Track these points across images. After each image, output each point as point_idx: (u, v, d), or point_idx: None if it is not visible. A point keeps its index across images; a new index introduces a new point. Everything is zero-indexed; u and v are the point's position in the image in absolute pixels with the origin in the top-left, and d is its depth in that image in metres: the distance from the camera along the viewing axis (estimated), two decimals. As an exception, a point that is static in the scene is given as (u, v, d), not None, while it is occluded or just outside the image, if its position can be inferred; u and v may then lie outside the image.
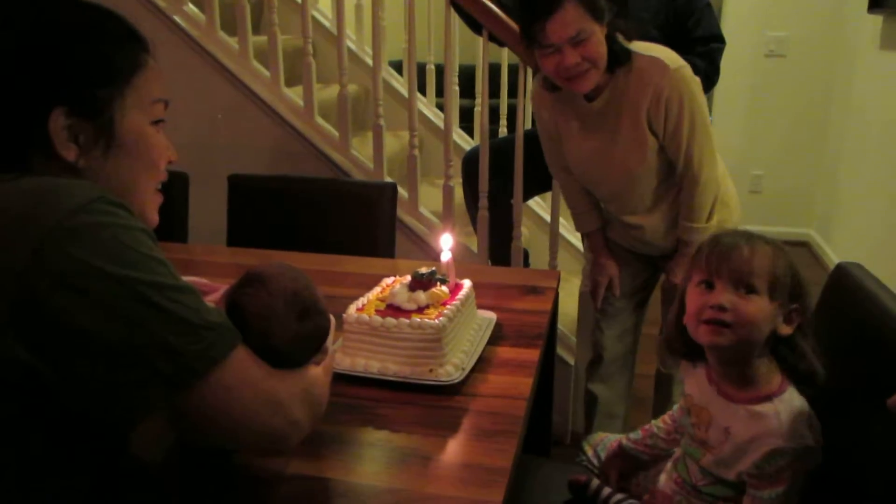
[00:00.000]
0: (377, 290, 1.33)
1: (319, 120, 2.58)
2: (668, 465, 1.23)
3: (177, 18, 2.58)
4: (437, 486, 0.94)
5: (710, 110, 1.78)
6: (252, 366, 0.79)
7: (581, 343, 2.36)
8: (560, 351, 2.35)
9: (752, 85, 4.28)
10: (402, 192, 2.39)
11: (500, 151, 2.33)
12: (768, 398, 1.06)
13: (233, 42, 2.59)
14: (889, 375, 1.01)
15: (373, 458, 1.03)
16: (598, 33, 1.57)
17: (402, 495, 0.92)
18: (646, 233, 1.83)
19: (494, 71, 2.71)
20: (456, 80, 2.85)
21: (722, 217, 1.75)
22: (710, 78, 2.09)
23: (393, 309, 1.23)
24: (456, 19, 2.31)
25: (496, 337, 1.34)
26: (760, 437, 1.04)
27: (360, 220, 1.99)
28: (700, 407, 1.14)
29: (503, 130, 3.13)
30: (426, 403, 1.13)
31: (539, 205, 3.08)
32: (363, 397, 1.15)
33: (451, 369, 1.17)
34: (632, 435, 1.33)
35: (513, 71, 2.74)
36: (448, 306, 1.22)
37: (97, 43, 0.80)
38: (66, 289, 0.66)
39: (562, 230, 2.69)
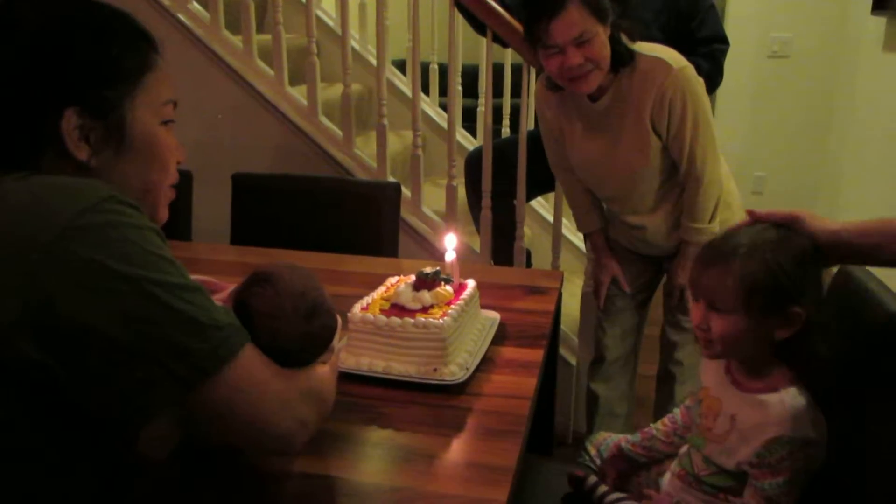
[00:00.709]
0: (382, 289, 1.33)
1: (323, 119, 2.58)
2: (673, 463, 1.24)
3: (181, 17, 2.58)
4: (441, 485, 0.95)
5: (713, 111, 1.78)
6: (260, 365, 0.79)
7: (583, 343, 2.36)
8: (562, 351, 2.35)
9: (756, 86, 4.27)
10: (405, 191, 2.39)
11: (503, 151, 2.33)
12: (775, 390, 1.08)
13: (237, 41, 2.60)
14: (893, 378, 1.01)
15: (377, 456, 1.03)
16: (601, 34, 1.57)
17: (406, 494, 0.93)
18: (648, 233, 1.83)
19: (498, 71, 2.71)
20: (459, 79, 2.85)
21: (724, 218, 1.75)
22: (713, 79, 2.09)
23: (397, 308, 1.23)
24: (459, 19, 2.31)
25: (500, 337, 1.35)
26: (763, 425, 1.06)
27: (364, 219, 2.00)
28: (713, 397, 1.16)
29: (506, 131, 3.13)
30: (430, 403, 1.14)
31: (541, 205, 3.08)
32: (368, 396, 1.15)
33: (456, 369, 1.18)
34: (631, 437, 1.34)
35: (516, 71, 2.74)
36: (452, 306, 1.23)
37: (108, 42, 0.80)
38: (76, 287, 0.66)
39: (564, 230, 2.69)
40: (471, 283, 1.35)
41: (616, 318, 2.01)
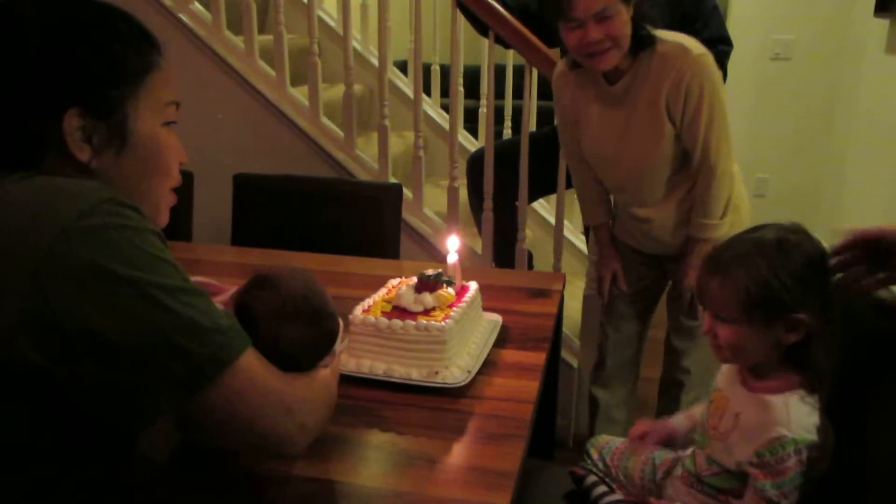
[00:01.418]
0: (383, 291, 1.33)
1: (325, 120, 2.58)
2: (677, 468, 1.24)
3: (183, 17, 2.57)
4: (443, 489, 0.94)
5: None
6: (261, 369, 0.79)
7: (585, 346, 2.36)
8: (563, 354, 2.34)
9: (758, 88, 4.27)
10: (407, 192, 2.39)
11: (505, 153, 2.32)
12: (781, 392, 1.09)
13: (239, 41, 2.59)
14: (893, 388, 1.01)
15: (378, 460, 1.03)
16: (623, 13, 1.57)
17: (407, 498, 0.92)
18: (654, 226, 1.81)
19: (499, 72, 2.71)
20: (461, 80, 2.85)
21: (732, 220, 1.74)
22: (716, 81, 2.09)
23: (399, 311, 1.23)
24: (461, 19, 2.31)
25: (502, 339, 1.34)
26: (766, 425, 1.07)
27: (365, 220, 1.99)
28: (723, 397, 1.17)
29: (507, 132, 3.13)
30: (432, 406, 1.13)
31: (543, 207, 3.08)
32: (369, 399, 1.15)
33: (457, 372, 1.17)
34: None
35: (518, 72, 2.74)
36: (454, 309, 1.22)
37: (111, 42, 0.80)
38: (75, 290, 0.66)
39: (566, 232, 2.69)
40: (473, 286, 1.35)
41: (618, 325, 2.01)
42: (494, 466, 0.98)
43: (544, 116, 3.21)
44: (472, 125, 3.32)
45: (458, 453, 1.03)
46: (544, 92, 2.95)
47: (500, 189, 2.31)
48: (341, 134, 2.56)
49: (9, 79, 0.75)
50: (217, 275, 1.16)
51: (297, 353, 0.85)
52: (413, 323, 1.18)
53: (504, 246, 2.37)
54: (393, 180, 2.48)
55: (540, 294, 1.59)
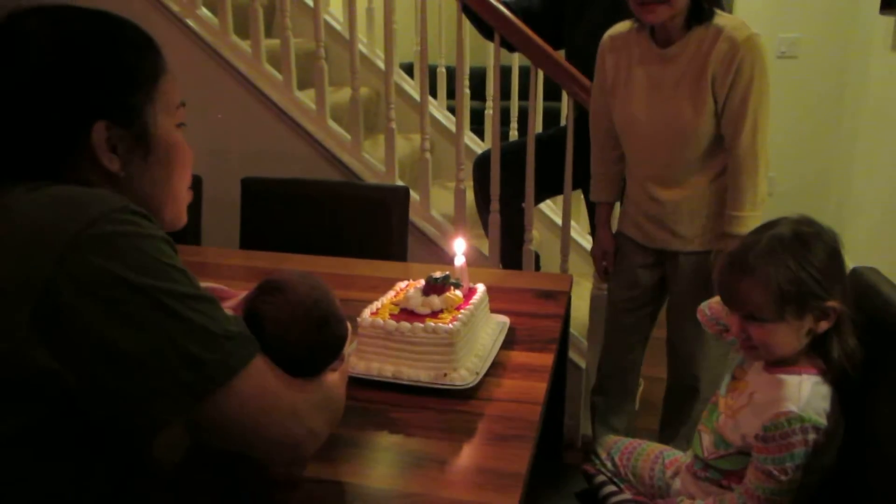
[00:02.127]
0: (391, 294, 1.33)
1: (331, 123, 2.59)
2: (686, 455, 1.25)
3: (190, 22, 2.59)
4: (452, 490, 0.94)
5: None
6: (270, 375, 0.79)
7: (592, 346, 2.36)
8: (571, 354, 2.34)
9: (764, 86, 4.26)
10: (414, 195, 2.39)
11: (512, 155, 2.33)
12: (798, 373, 1.10)
13: (245, 45, 2.61)
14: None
15: (387, 462, 1.03)
16: None
17: (416, 499, 0.93)
18: (667, 212, 1.79)
19: (505, 73, 2.71)
20: (467, 82, 2.85)
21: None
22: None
23: (407, 313, 1.23)
24: (466, 21, 2.31)
25: (510, 341, 1.35)
26: (777, 401, 1.08)
27: (373, 223, 2.00)
28: (744, 380, 1.19)
29: (514, 133, 3.13)
30: (440, 408, 1.14)
31: (550, 208, 3.08)
32: (377, 401, 1.15)
33: (466, 373, 1.17)
34: None
35: (524, 73, 2.74)
36: (462, 311, 1.23)
37: (123, 50, 0.81)
38: (86, 297, 0.67)
39: (573, 233, 2.69)
40: (480, 288, 1.35)
41: (614, 334, 2.03)
42: (503, 468, 0.98)
43: (550, 117, 3.22)
44: (478, 127, 3.32)
45: (467, 455, 1.03)
46: (550, 93, 2.97)
47: (507, 190, 2.31)
48: (348, 137, 2.57)
49: (32, 98, 0.76)
50: (225, 278, 1.17)
51: (305, 359, 0.86)
52: (421, 325, 1.18)
53: (511, 247, 2.37)
54: (400, 183, 2.49)
55: (547, 295, 1.59)
